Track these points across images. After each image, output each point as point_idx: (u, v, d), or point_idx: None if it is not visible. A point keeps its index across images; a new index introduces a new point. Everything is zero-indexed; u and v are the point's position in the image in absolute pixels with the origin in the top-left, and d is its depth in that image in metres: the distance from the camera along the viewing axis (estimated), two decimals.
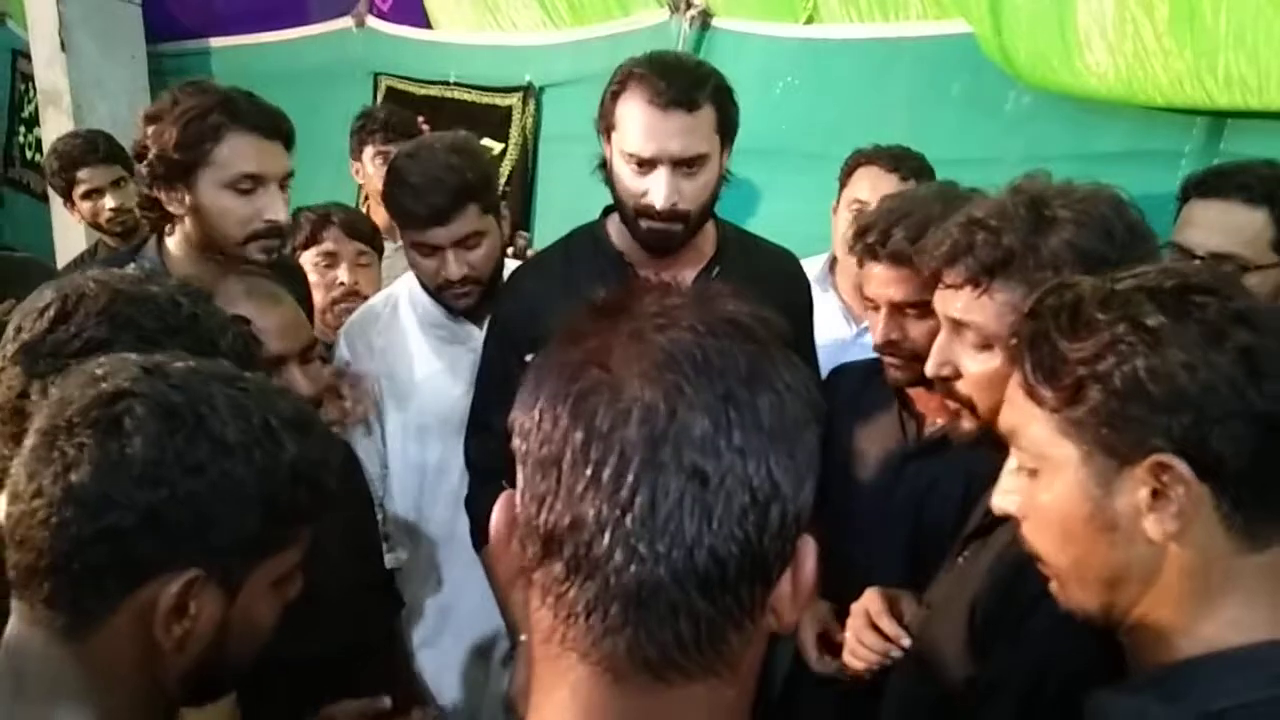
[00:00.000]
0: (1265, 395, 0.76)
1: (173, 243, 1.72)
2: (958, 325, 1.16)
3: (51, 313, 1.05)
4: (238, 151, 1.63)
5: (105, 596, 0.82)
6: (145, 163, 1.64)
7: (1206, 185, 1.67)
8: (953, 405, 1.20)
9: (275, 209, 1.66)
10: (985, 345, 1.13)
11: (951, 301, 1.16)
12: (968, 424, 1.18)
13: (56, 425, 0.83)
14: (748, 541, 0.56)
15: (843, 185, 2.29)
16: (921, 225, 1.44)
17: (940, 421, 1.58)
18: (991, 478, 1.31)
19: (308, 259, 2.21)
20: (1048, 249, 1.08)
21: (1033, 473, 0.87)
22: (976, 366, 1.15)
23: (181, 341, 1.05)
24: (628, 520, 0.55)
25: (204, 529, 0.83)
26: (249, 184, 1.64)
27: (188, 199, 1.64)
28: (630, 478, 0.55)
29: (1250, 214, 1.61)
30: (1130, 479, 0.79)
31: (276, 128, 1.68)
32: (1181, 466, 0.77)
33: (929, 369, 1.21)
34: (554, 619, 0.59)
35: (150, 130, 1.63)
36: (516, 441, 0.60)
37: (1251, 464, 0.77)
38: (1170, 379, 0.77)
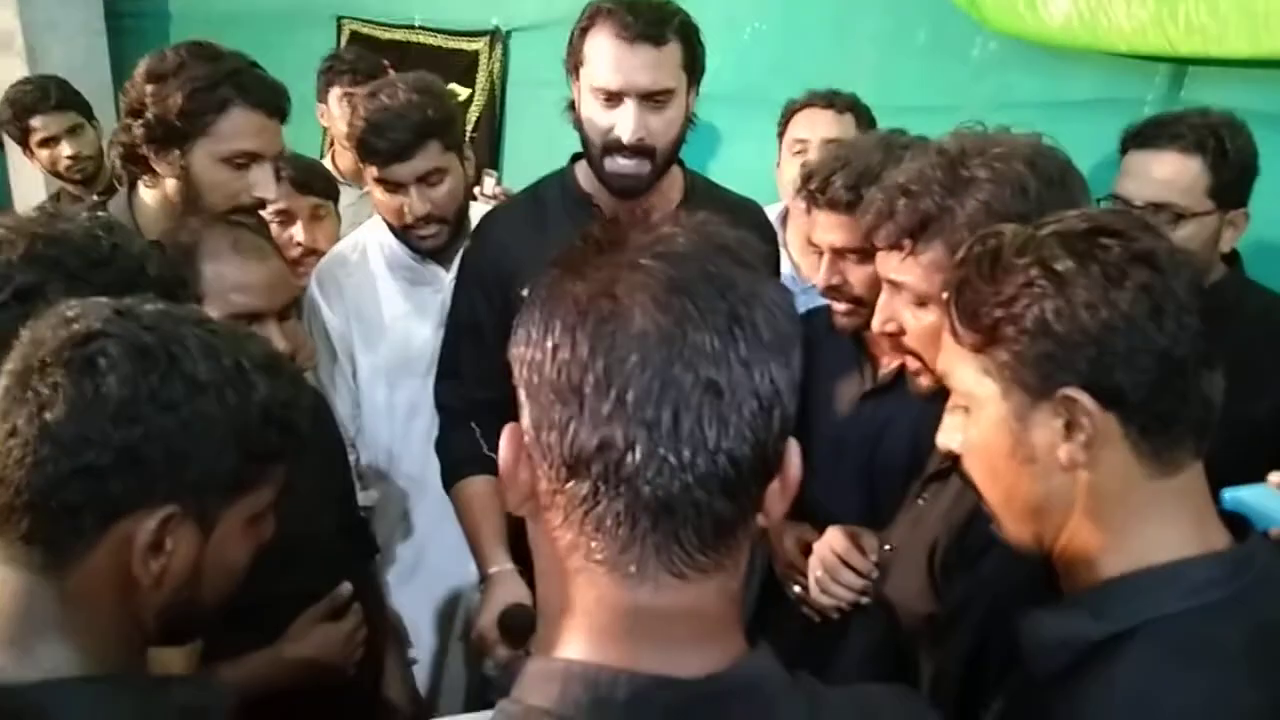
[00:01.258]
0: (1164, 331, 0.82)
1: (148, 196, 1.71)
2: (894, 285, 1.23)
3: None
4: (239, 127, 1.62)
5: (82, 533, 0.84)
6: (141, 121, 1.61)
7: (1142, 136, 1.71)
8: (912, 364, 1.24)
9: (265, 186, 1.66)
10: (921, 302, 1.19)
11: (886, 263, 1.23)
12: (925, 380, 1.23)
13: (30, 365, 0.84)
14: (758, 443, 0.61)
15: (781, 135, 2.32)
16: (860, 174, 1.47)
17: (893, 363, 1.61)
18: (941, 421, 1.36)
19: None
20: (963, 211, 1.14)
21: (966, 411, 0.93)
22: (915, 322, 1.21)
23: (110, 274, 1.06)
24: (655, 435, 0.59)
25: (178, 466, 0.85)
26: (245, 160, 1.64)
27: (179, 162, 1.63)
28: (654, 395, 0.59)
29: (1184, 162, 1.65)
30: (1044, 412, 0.85)
31: (278, 106, 1.67)
32: (1085, 399, 0.83)
33: (875, 325, 1.27)
34: (577, 534, 0.63)
35: (150, 89, 1.60)
36: (523, 375, 0.64)
37: (1154, 394, 0.82)
38: (1074, 318, 0.82)
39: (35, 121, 2.90)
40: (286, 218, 2.22)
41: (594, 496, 0.61)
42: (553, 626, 0.66)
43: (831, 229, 1.54)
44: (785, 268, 2.19)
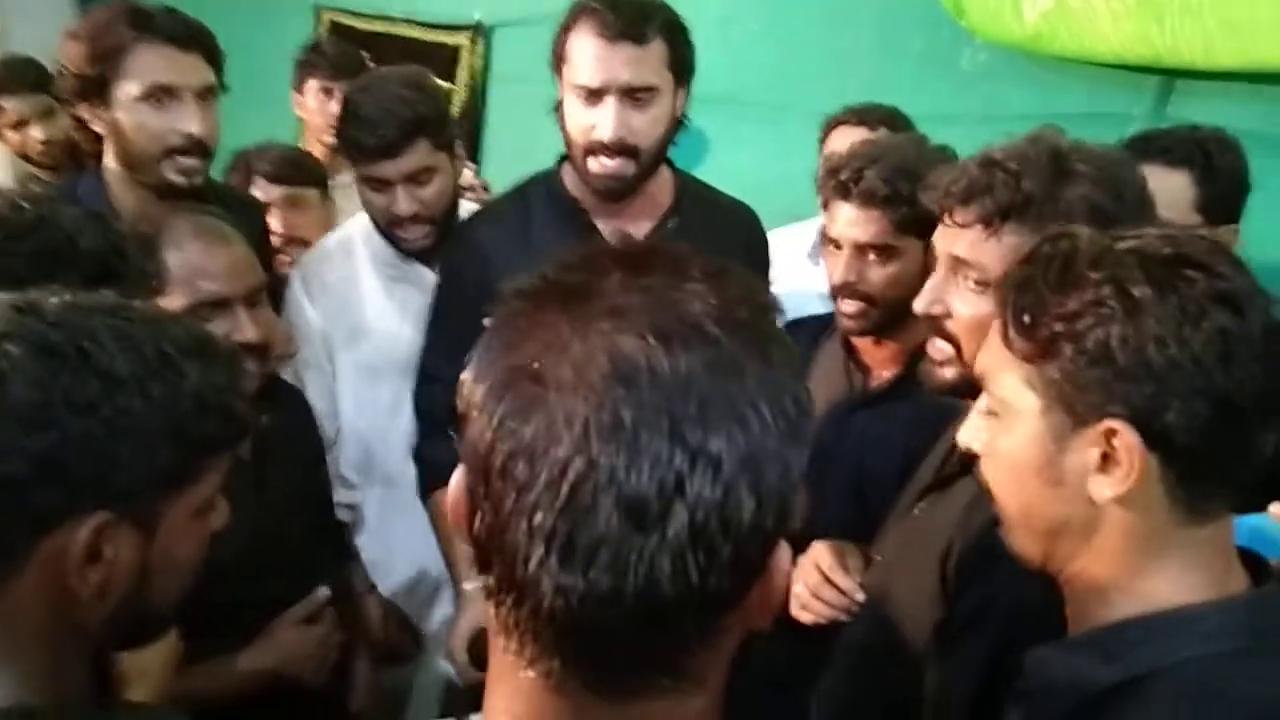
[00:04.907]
0: (1231, 378, 0.76)
1: (110, 163, 1.70)
2: (958, 264, 1.16)
3: None
4: (147, 62, 1.61)
5: (8, 552, 0.78)
6: (64, 82, 1.64)
7: (1130, 150, 1.70)
8: (940, 353, 1.19)
9: (189, 121, 1.62)
10: (982, 288, 1.13)
11: (957, 239, 1.15)
12: (949, 371, 1.17)
13: None
14: (688, 583, 0.50)
15: (821, 149, 2.27)
16: (897, 168, 1.45)
17: (887, 374, 1.60)
18: (935, 432, 1.34)
19: None
20: (1064, 200, 1.09)
21: (997, 415, 0.88)
22: (968, 309, 1.15)
23: (33, 244, 1.02)
24: (552, 553, 0.50)
25: (105, 470, 0.79)
26: (162, 95, 1.61)
27: (108, 117, 1.63)
28: (557, 506, 0.49)
29: (1171, 176, 1.65)
30: (1083, 439, 0.81)
31: (192, 38, 1.64)
32: (1131, 434, 0.78)
33: (919, 306, 1.19)
34: (497, 622, 0.55)
35: (68, 49, 1.62)
36: (460, 408, 0.55)
37: (1203, 441, 0.77)
38: (1139, 350, 0.77)
39: (6, 103, 2.83)
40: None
41: (498, 594, 0.53)
42: (487, 697, 0.58)
43: (857, 223, 1.50)
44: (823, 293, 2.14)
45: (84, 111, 1.65)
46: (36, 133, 2.84)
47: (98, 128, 1.66)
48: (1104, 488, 0.80)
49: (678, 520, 0.49)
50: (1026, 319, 0.83)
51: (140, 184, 1.66)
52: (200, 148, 1.65)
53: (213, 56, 1.67)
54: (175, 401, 0.82)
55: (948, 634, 1.14)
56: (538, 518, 0.50)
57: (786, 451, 0.52)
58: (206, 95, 1.65)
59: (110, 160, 1.69)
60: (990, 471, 0.90)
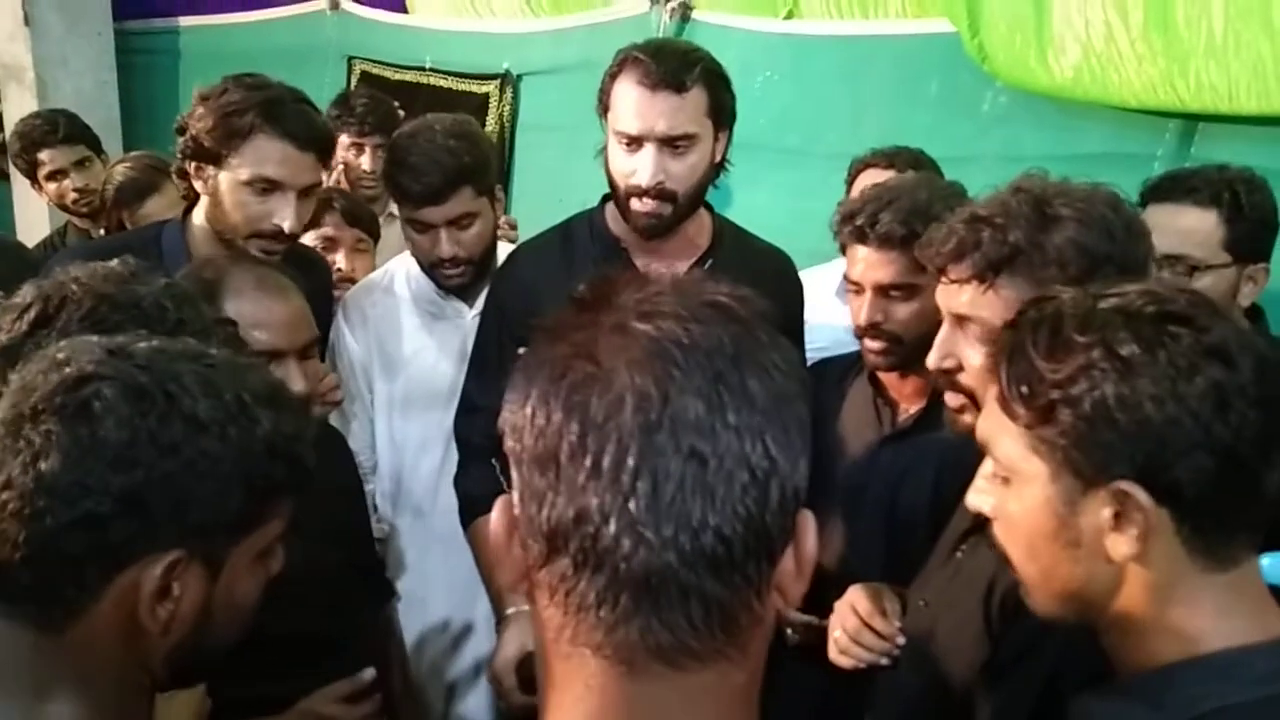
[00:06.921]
0: (1230, 427, 0.78)
1: (197, 218, 1.79)
2: (961, 320, 1.18)
3: (32, 315, 1.04)
4: (263, 154, 1.68)
5: (85, 585, 0.81)
6: (183, 138, 1.73)
7: (1159, 190, 1.73)
8: (956, 402, 1.21)
9: (285, 216, 1.70)
10: (989, 339, 1.13)
11: (955, 296, 1.17)
12: (969, 417, 1.18)
13: (21, 414, 0.81)
14: (750, 518, 0.57)
15: (848, 192, 2.30)
16: (911, 209, 1.48)
17: (914, 409, 1.61)
18: (966, 469, 1.33)
19: (307, 240, 2.22)
20: (1052, 246, 1.10)
21: (1004, 480, 0.89)
22: (980, 359, 1.16)
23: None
24: (631, 507, 0.56)
25: (183, 510, 0.82)
26: (267, 186, 1.69)
27: (212, 181, 1.71)
28: (630, 464, 0.55)
29: (1200, 216, 1.66)
30: (1094, 500, 0.82)
31: (312, 140, 1.72)
32: (1140, 494, 0.79)
33: (931, 362, 1.21)
34: (563, 615, 0.59)
35: (197, 110, 1.71)
36: (509, 443, 0.61)
37: (1212, 492, 0.79)
38: (1137, 409, 0.78)
39: (43, 155, 2.91)
40: (331, 245, 2.28)
41: (574, 574, 0.58)
42: (548, 712, 0.62)
43: (878, 265, 1.53)
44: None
45: (190, 167, 1.73)
46: (73, 182, 2.92)
47: (199, 185, 1.74)
48: (1120, 545, 0.81)
49: (735, 462, 0.56)
50: (1024, 389, 0.84)
51: (222, 241, 1.74)
52: (286, 238, 1.73)
53: (326, 157, 1.77)
54: (249, 447, 0.86)
55: (994, 672, 1.13)
56: (615, 480, 0.56)
57: (802, 403, 0.60)
58: (309, 192, 1.75)
59: (199, 215, 1.77)
60: (1005, 537, 0.90)
